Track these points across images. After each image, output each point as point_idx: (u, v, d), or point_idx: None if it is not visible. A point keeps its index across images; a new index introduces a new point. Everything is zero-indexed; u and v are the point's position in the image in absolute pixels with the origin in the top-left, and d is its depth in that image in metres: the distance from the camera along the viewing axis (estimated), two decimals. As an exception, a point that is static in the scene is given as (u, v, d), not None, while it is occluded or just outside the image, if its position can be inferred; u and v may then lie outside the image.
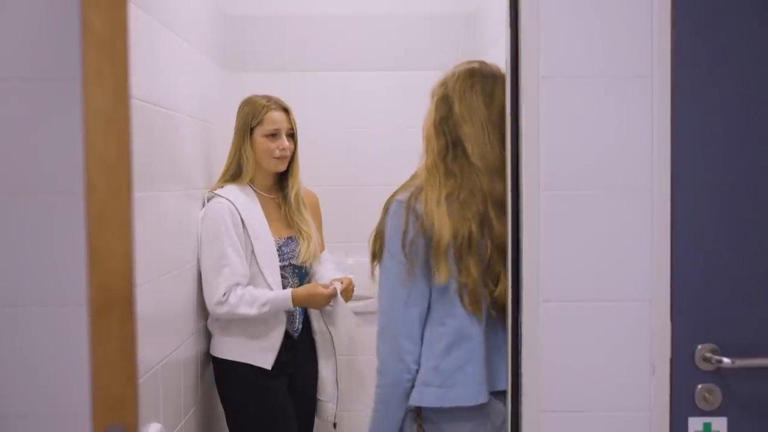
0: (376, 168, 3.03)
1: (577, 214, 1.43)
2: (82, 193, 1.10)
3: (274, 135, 2.40)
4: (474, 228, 1.57)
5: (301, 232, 2.48)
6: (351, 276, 2.50)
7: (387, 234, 1.62)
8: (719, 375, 1.44)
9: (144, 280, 1.83)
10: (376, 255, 1.65)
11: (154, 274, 1.93)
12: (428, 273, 1.60)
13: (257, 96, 2.46)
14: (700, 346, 1.44)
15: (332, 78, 3.04)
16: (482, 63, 1.72)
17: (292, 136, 2.46)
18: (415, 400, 1.60)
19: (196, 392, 2.38)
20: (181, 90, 2.22)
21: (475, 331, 1.59)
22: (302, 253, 2.45)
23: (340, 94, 3.04)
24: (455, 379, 1.58)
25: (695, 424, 1.44)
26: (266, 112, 2.41)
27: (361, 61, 3.04)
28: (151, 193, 1.88)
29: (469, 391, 1.57)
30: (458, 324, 1.59)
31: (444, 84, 1.69)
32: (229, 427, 2.44)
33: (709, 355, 1.43)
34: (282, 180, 2.51)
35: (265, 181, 2.47)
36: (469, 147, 1.63)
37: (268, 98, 2.45)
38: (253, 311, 2.28)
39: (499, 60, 1.63)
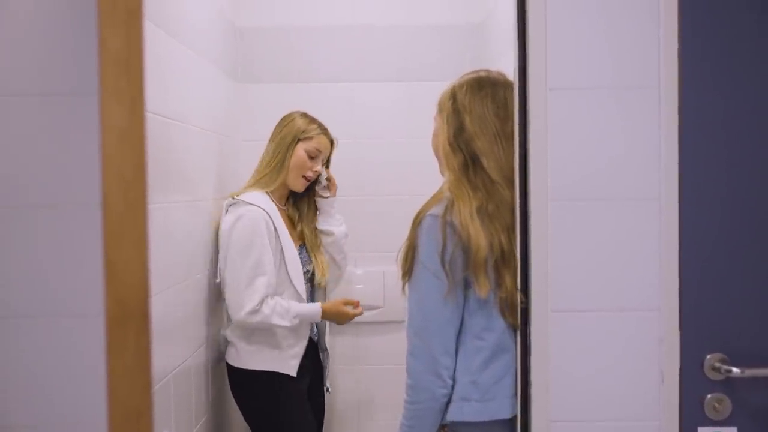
0: (383, 179, 3.04)
1: (586, 224, 1.43)
2: (99, 206, 1.12)
3: (313, 157, 2.45)
4: (504, 240, 1.57)
5: (312, 245, 2.55)
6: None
7: (422, 250, 1.58)
8: (729, 384, 1.44)
9: (156, 291, 1.84)
10: (408, 272, 1.62)
11: (165, 284, 1.94)
12: (463, 287, 1.58)
13: (311, 116, 2.51)
14: (709, 356, 1.44)
15: (339, 89, 3.05)
16: (488, 71, 1.72)
17: (324, 165, 2.54)
18: (454, 415, 1.58)
19: (207, 401, 2.39)
20: (190, 102, 2.24)
21: (511, 342, 1.58)
22: (319, 268, 2.53)
23: (347, 105, 3.05)
24: (494, 392, 1.56)
25: (705, 433, 1.44)
26: (318, 133, 2.46)
27: (369, 73, 3.06)
28: (162, 204, 1.90)
29: (508, 403, 1.56)
30: (497, 337, 1.57)
31: (453, 96, 1.67)
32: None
33: (718, 364, 1.43)
34: (296, 196, 2.56)
35: (282, 193, 2.50)
36: (484, 161, 1.62)
37: (321, 124, 2.50)
38: (285, 322, 2.30)
39: (507, 71, 1.64)
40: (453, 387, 1.59)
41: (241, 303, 2.27)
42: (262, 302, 2.27)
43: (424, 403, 1.58)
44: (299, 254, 2.47)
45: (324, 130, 2.49)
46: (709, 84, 1.44)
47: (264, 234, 2.30)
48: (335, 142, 2.53)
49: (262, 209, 2.33)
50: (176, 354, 2.06)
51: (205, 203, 2.40)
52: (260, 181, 2.44)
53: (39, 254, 1.26)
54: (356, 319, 2.56)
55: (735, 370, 1.40)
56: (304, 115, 2.50)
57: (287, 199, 2.55)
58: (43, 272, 1.26)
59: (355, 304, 2.55)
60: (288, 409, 2.38)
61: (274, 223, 2.34)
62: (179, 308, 2.10)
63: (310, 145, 2.44)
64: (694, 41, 1.43)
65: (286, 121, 2.49)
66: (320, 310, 2.40)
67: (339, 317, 2.48)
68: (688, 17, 1.43)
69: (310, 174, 2.46)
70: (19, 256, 1.27)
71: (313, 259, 2.54)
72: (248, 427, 2.47)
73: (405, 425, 1.61)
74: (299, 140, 2.44)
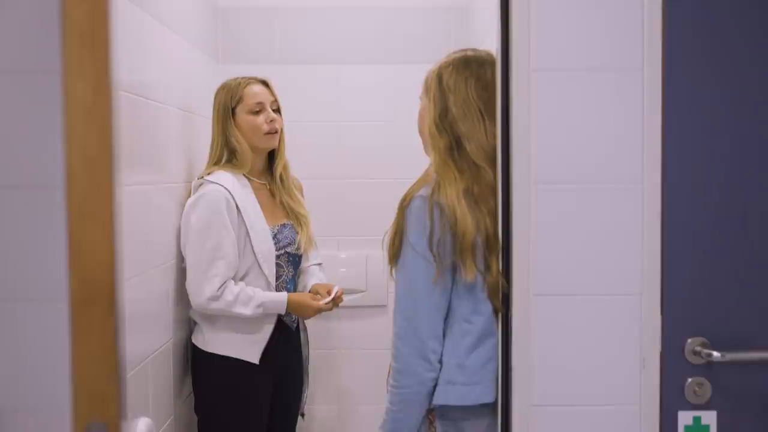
0: (367, 161, 3.02)
1: (568, 208, 1.42)
2: (62, 186, 1.08)
3: (258, 111, 2.29)
4: (489, 224, 1.55)
5: (297, 217, 2.40)
6: (339, 287, 2.42)
7: (410, 232, 1.56)
8: (709, 368, 1.43)
9: (133, 274, 1.82)
10: (395, 256, 1.59)
11: (143, 267, 1.92)
12: (452, 270, 1.56)
13: (231, 78, 2.36)
14: (690, 340, 1.43)
15: (323, 70, 3.02)
16: (475, 50, 1.70)
17: (277, 111, 2.36)
18: (441, 399, 1.56)
19: (185, 386, 2.37)
20: (169, 81, 2.19)
21: (496, 326, 1.57)
22: (303, 243, 2.38)
23: (331, 86, 3.02)
24: (480, 375, 1.55)
25: (685, 417, 1.44)
26: (244, 88, 2.30)
27: (353, 54, 3.02)
28: (136, 187, 1.87)
29: (493, 387, 1.55)
30: (485, 320, 1.56)
31: (439, 76, 1.65)
32: (199, 416, 2.34)
33: (699, 348, 1.42)
34: (271, 163, 2.42)
35: (256, 166, 2.36)
36: (467, 145, 1.60)
37: (244, 76, 2.34)
38: (248, 311, 2.19)
39: (492, 53, 1.62)
40: (439, 371, 1.58)
41: (201, 288, 2.16)
42: (223, 287, 2.17)
43: (412, 388, 1.56)
44: (280, 232, 2.34)
45: (249, 79, 2.32)
46: (695, 66, 1.42)
47: (224, 214, 2.17)
48: (269, 82, 2.37)
49: (223, 187, 2.19)
50: (153, 339, 2.03)
51: (183, 185, 2.36)
52: (230, 164, 2.30)
53: (2, 237, 1.22)
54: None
55: (716, 354, 1.40)
56: (226, 81, 2.35)
57: (268, 173, 2.42)
58: (6, 254, 1.22)
59: (327, 292, 2.36)
60: (243, 400, 2.26)
61: (236, 202, 2.20)
62: (155, 293, 2.07)
63: (245, 104, 2.29)
64: (679, 23, 1.41)
65: (216, 96, 2.34)
66: (286, 300, 2.25)
67: (305, 309, 2.31)
68: (673, -2, 1.41)
69: (266, 128, 2.28)
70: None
71: (296, 227, 2.39)
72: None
73: (392, 410, 1.59)
74: (234, 108, 2.29)
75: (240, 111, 2.30)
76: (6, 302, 1.22)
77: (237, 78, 2.35)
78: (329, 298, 2.34)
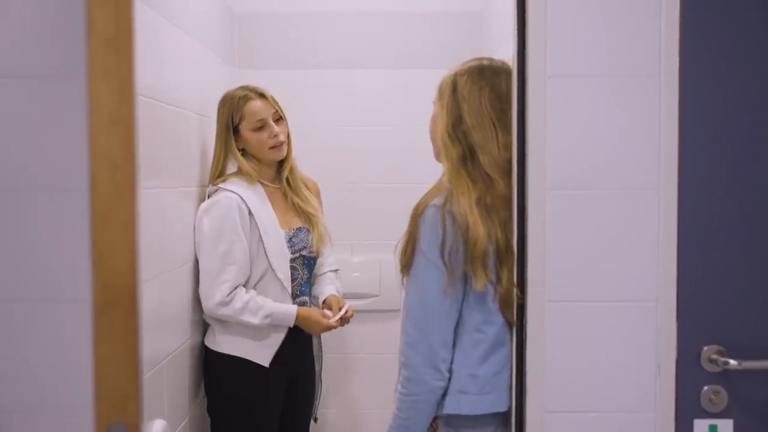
0: (380, 166, 3.02)
1: (584, 214, 1.42)
2: (86, 189, 1.10)
3: (261, 128, 2.32)
4: (500, 235, 1.55)
5: (309, 218, 2.42)
6: (348, 306, 2.45)
7: (423, 241, 1.56)
8: (726, 377, 1.43)
9: (150, 276, 1.83)
10: (407, 265, 1.59)
11: (160, 270, 1.93)
12: (463, 280, 1.56)
13: (232, 90, 2.38)
14: (706, 348, 1.43)
15: (337, 76, 3.03)
16: (491, 60, 1.70)
17: (280, 119, 2.37)
18: (452, 408, 1.57)
19: (200, 387, 2.38)
20: (186, 86, 2.21)
21: (509, 336, 1.56)
22: (315, 243, 2.41)
23: (345, 91, 3.03)
24: (492, 385, 1.55)
25: (701, 426, 1.43)
26: (244, 105, 2.32)
27: (367, 59, 3.03)
28: (155, 190, 1.89)
29: (504, 396, 1.55)
30: (497, 330, 1.56)
31: (453, 84, 1.65)
32: (210, 417, 2.35)
33: (715, 356, 1.42)
34: (281, 168, 2.45)
35: (267, 173, 2.40)
36: (480, 156, 1.60)
37: (244, 88, 2.36)
38: (255, 321, 2.22)
39: (507, 60, 1.62)
40: (449, 380, 1.58)
41: (211, 293, 2.21)
42: (233, 294, 2.21)
43: (422, 396, 1.56)
44: (295, 236, 2.36)
45: (249, 92, 2.33)
46: (711, 73, 1.42)
47: (236, 221, 2.22)
48: (266, 93, 2.36)
49: (236, 194, 2.24)
50: (169, 341, 2.04)
51: (201, 189, 2.38)
52: (242, 175, 2.33)
53: (25, 238, 1.25)
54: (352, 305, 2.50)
55: (732, 362, 1.39)
56: (227, 95, 2.36)
57: (280, 176, 2.43)
58: (31, 256, 1.24)
59: (338, 309, 2.40)
60: (253, 402, 2.28)
61: (249, 208, 2.24)
62: (172, 294, 2.08)
63: (248, 123, 2.32)
64: (695, 30, 1.41)
65: (218, 109, 2.37)
66: (295, 314, 2.28)
67: (313, 325, 2.34)
68: (689, 5, 1.41)
69: (271, 142, 2.31)
70: (6, 239, 1.25)
71: (310, 230, 2.41)
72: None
73: (400, 417, 1.59)
74: (237, 127, 2.32)
75: (243, 129, 2.34)
76: (30, 302, 1.24)
77: (236, 91, 2.36)
78: (337, 317, 2.37)
